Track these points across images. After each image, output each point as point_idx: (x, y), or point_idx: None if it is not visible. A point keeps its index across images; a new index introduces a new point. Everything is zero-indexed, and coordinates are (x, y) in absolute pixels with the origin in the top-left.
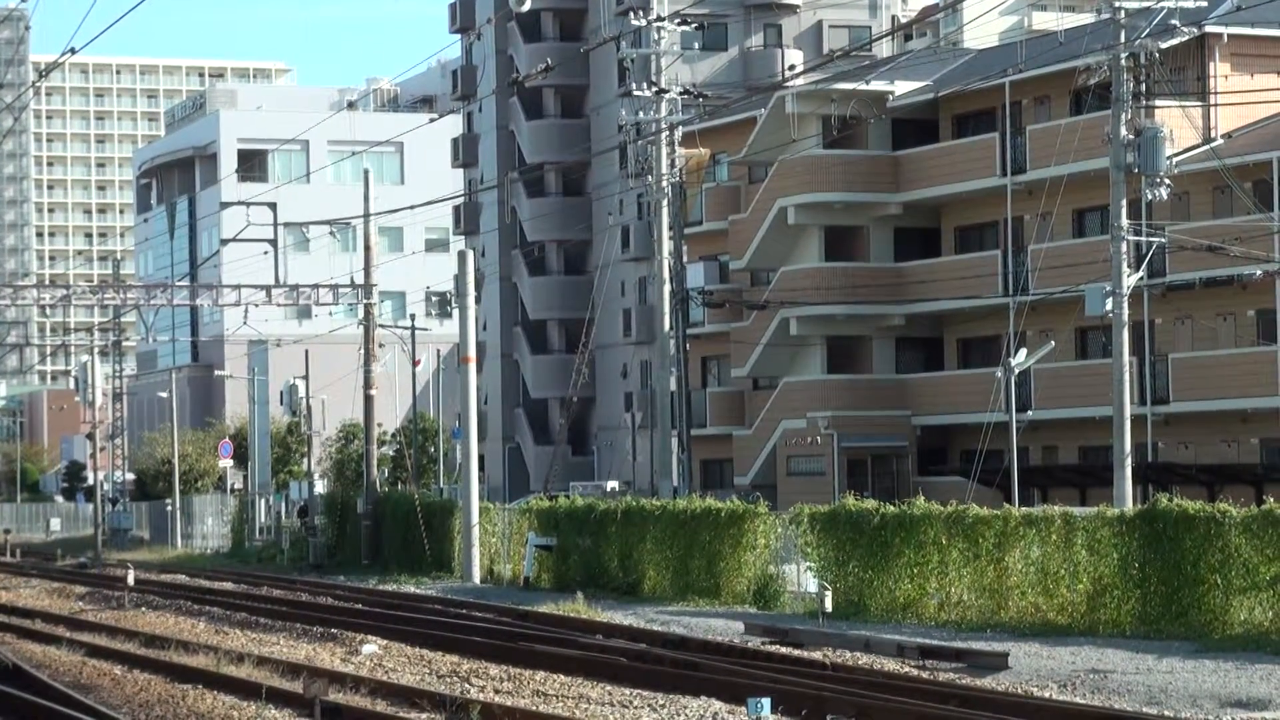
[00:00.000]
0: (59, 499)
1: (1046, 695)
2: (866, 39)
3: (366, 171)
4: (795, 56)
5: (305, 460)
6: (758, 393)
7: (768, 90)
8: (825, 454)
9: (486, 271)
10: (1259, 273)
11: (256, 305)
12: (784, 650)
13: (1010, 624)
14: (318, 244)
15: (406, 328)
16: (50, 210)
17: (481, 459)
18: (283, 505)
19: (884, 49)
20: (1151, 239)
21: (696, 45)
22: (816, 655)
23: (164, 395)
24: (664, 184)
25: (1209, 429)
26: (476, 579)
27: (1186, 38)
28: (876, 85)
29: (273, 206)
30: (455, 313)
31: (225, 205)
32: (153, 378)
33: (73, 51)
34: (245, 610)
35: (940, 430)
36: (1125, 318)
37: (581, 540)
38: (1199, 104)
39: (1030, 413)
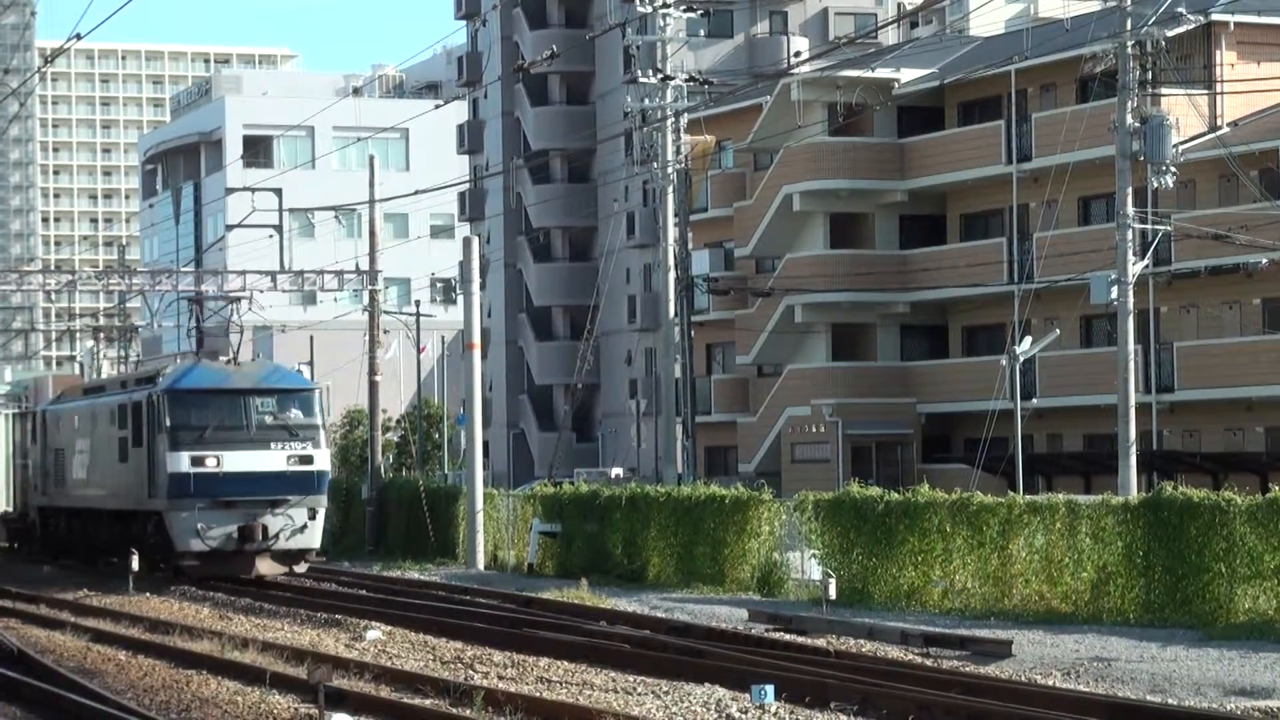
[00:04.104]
0: None
1: (1050, 683)
2: (872, 26)
3: (372, 158)
4: (801, 43)
5: None
6: (762, 380)
7: (773, 77)
8: (830, 441)
9: (491, 258)
10: (1264, 261)
11: (261, 291)
12: (788, 637)
13: (1014, 612)
14: (323, 230)
15: (411, 314)
16: (56, 196)
17: (486, 445)
18: None
19: (889, 36)
20: (1157, 227)
21: (702, 32)
22: (820, 642)
23: None
24: (669, 171)
25: (1214, 417)
26: (481, 565)
27: (1193, 25)
28: (882, 72)
29: (278, 192)
30: (460, 299)
31: (230, 191)
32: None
33: (78, 37)
34: (249, 596)
35: (945, 418)
36: (1130, 306)
37: (586, 527)
38: (1205, 92)
39: (1035, 400)
